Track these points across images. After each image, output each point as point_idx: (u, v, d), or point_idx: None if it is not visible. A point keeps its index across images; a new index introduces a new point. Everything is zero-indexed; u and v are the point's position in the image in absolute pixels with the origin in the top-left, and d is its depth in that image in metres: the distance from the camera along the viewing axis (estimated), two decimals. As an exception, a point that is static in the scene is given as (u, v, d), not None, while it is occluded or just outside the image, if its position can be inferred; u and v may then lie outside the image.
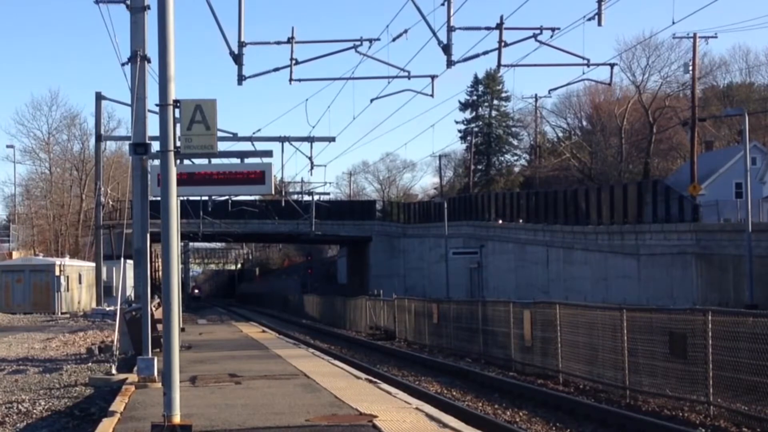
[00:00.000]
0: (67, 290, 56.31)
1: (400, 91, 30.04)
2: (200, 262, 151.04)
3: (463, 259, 60.49)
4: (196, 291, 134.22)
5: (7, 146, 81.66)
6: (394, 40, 24.31)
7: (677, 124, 70.49)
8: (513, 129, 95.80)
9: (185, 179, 20.14)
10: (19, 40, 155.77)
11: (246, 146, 29.06)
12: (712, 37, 52.95)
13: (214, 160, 22.50)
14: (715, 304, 32.66)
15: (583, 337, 21.32)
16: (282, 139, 31.37)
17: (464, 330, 31.05)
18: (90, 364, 23.34)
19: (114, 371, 19.32)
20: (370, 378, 18.52)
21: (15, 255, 67.71)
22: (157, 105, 11.88)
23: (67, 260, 60.24)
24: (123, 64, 21.49)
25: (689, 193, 45.93)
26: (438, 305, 35.03)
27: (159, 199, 11.78)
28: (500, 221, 59.02)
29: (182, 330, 28.36)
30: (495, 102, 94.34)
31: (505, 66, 24.60)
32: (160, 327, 17.32)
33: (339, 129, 72.29)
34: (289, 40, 24.60)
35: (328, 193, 69.31)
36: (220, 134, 22.82)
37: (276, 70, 25.49)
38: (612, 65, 27.98)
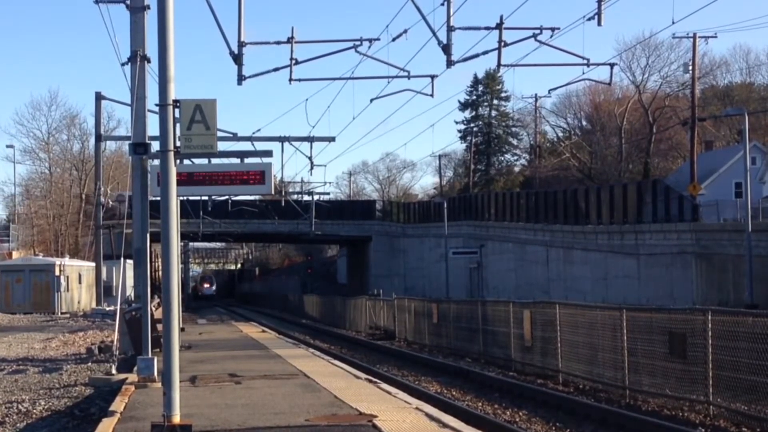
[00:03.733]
0: (67, 290, 56.26)
1: (399, 91, 30.07)
2: (200, 261, 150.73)
3: (463, 258, 60.48)
4: (207, 285, 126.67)
5: (7, 146, 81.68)
6: (393, 40, 24.38)
7: (677, 124, 70.42)
8: (513, 129, 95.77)
9: (185, 179, 20.11)
10: (19, 40, 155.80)
11: (246, 146, 29.12)
12: (712, 36, 52.98)
13: (214, 160, 22.50)
14: (714, 303, 32.67)
15: (583, 336, 21.32)
16: (282, 139, 31.41)
17: (464, 330, 31.05)
18: (90, 364, 23.34)
19: (114, 371, 19.32)
20: (370, 378, 18.53)
21: (15, 255, 67.69)
22: (156, 105, 11.89)
23: (66, 260, 60.20)
24: (123, 64, 21.51)
25: (689, 193, 45.91)
26: (438, 305, 35.03)
27: (159, 198, 11.79)
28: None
29: (182, 330, 28.36)
30: (495, 102, 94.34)
31: (504, 66, 24.66)
32: (160, 327, 17.31)
33: (339, 129, 72.55)
34: (289, 40, 24.62)
35: (328, 193, 69.51)
36: (219, 134, 22.83)
37: (276, 70, 25.54)
38: (612, 65, 28.07)
